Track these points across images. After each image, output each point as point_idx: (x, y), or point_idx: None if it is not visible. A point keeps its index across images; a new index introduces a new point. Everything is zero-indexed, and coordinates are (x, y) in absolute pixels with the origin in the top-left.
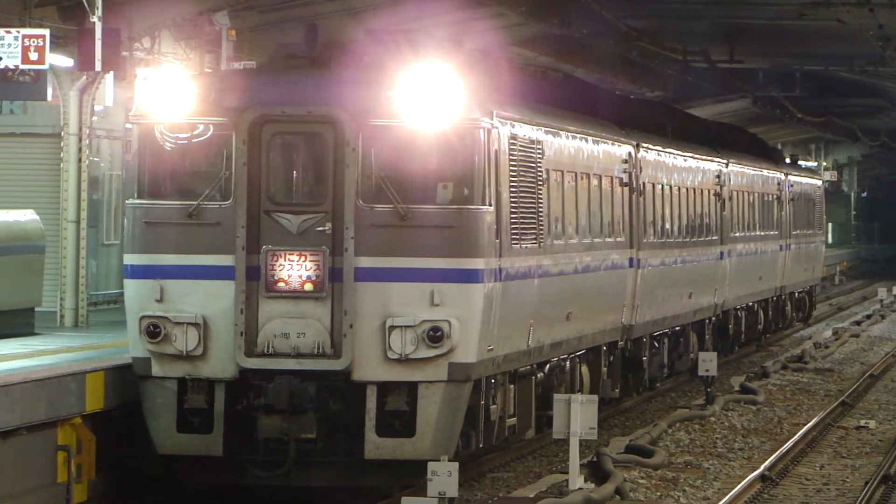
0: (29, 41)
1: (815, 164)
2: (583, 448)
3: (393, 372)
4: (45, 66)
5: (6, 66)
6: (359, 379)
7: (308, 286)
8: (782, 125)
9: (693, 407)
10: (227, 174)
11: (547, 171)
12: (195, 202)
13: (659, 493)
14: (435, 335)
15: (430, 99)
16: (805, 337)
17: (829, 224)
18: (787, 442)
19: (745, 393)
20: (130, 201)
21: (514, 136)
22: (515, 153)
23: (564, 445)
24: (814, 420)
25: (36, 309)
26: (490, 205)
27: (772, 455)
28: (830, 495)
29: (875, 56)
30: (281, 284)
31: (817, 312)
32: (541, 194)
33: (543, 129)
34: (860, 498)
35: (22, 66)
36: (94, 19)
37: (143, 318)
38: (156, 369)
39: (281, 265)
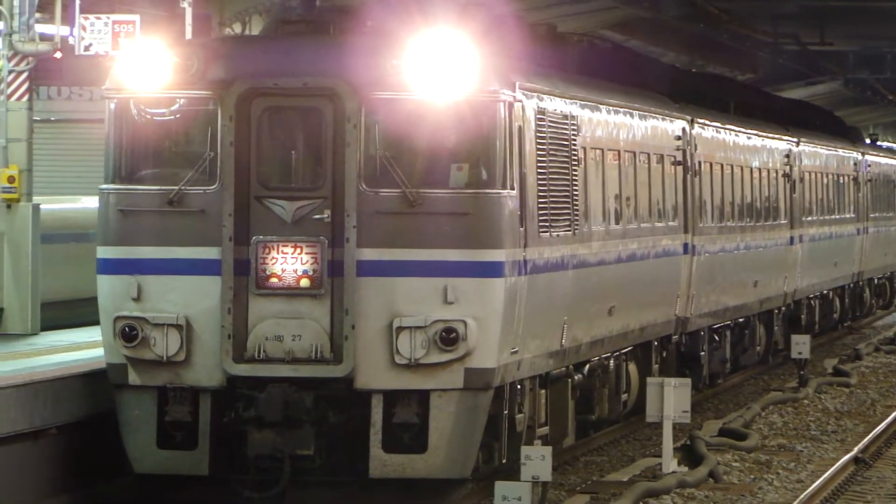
0: (119, 27)
1: None
2: (676, 432)
3: (401, 379)
4: None
5: (97, 53)
6: (362, 387)
7: (304, 282)
8: (873, 107)
9: (786, 390)
10: (211, 155)
11: (583, 149)
12: (176, 187)
13: (752, 476)
14: (449, 337)
15: (442, 68)
16: (889, 324)
17: None
18: (880, 424)
19: (838, 375)
20: (103, 186)
21: (542, 111)
22: (544, 130)
23: (658, 429)
24: None
25: None
26: (512, 188)
27: (865, 437)
28: None
29: None
30: (273, 280)
31: None
32: (576, 176)
33: (579, 102)
34: None
35: (112, 53)
36: (185, 5)
37: (117, 318)
38: (133, 377)
39: (273, 258)
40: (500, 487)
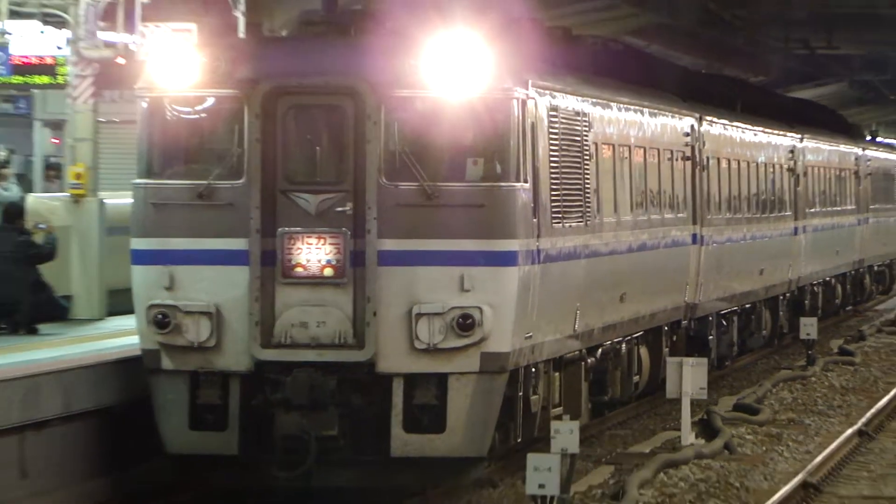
0: (176, 35)
1: None
2: (694, 407)
3: (420, 363)
4: None
5: None
6: (384, 371)
7: (328, 271)
8: (876, 106)
9: (795, 368)
10: (239, 151)
11: (595, 144)
12: (205, 182)
13: (764, 448)
14: (465, 323)
15: (458, 67)
16: (890, 308)
17: None
18: (882, 399)
19: (843, 355)
20: (136, 181)
21: (554, 108)
22: (556, 126)
23: (677, 405)
24: None
25: None
26: (526, 181)
27: (868, 412)
28: None
29: None
30: (298, 270)
31: None
32: (588, 169)
33: (591, 100)
34: None
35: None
36: (237, 13)
37: (151, 307)
38: (166, 362)
39: (298, 249)
40: (532, 459)
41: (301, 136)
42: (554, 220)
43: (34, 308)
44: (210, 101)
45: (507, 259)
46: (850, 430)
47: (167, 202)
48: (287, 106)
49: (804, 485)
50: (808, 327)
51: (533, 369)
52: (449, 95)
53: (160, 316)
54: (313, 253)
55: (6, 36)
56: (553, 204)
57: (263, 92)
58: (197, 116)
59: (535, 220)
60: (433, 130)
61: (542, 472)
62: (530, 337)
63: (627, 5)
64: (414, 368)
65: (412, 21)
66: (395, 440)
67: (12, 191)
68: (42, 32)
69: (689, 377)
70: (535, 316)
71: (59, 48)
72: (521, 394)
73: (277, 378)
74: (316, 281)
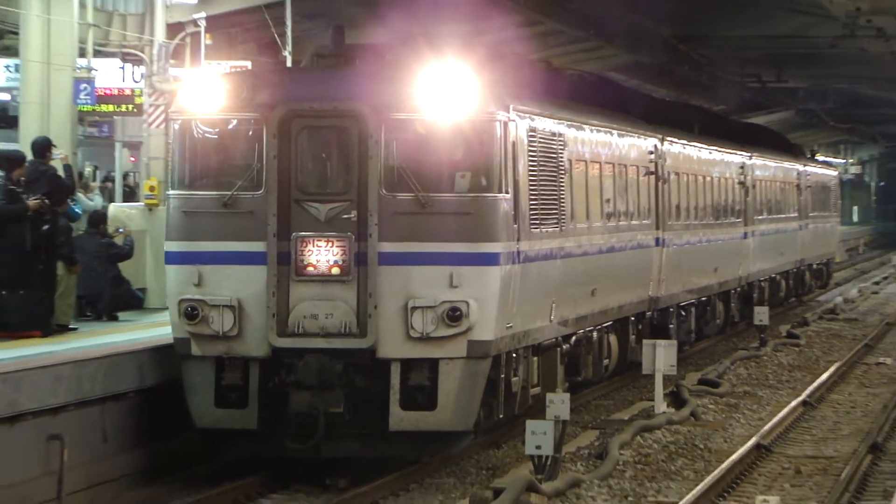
0: (235, 71)
1: (843, 161)
2: (665, 381)
3: (415, 350)
4: None
5: None
6: (383, 356)
7: (335, 270)
8: (818, 130)
9: (750, 349)
10: (258, 166)
11: (569, 160)
12: (230, 192)
13: (724, 415)
14: (454, 315)
15: (448, 94)
16: (827, 299)
17: (855, 207)
18: (823, 375)
19: (791, 338)
20: (170, 192)
21: (533, 129)
22: (535, 144)
23: (651, 379)
24: (844, 358)
25: None
26: (507, 192)
27: (811, 385)
28: (856, 416)
29: (890, 75)
30: (310, 269)
31: (846, 273)
32: (563, 182)
33: (566, 122)
34: (880, 418)
35: None
36: (286, 53)
37: (181, 301)
38: (195, 349)
39: (310, 250)
40: (530, 425)
41: (312, 153)
42: (532, 226)
43: (114, 299)
44: (233, 123)
45: (490, 259)
46: (795, 401)
47: (196, 210)
48: (300, 127)
49: (757, 446)
50: (761, 314)
51: (514, 354)
52: (440, 118)
53: (190, 309)
54: (322, 254)
55: (92, 71)
56: (531, 212)
57: (280, 115)
58: (222, 136)
59: (515, 225)
60: (426, 148)
61: (538, 435)
62: (511, 327)
63: (610, 46)
64: (409, 354)
65: (408, 53)
66: (393, 416)
67: (96, 200)
68: (121, 68)
69: (661, 356)
70: (516, 308)
71: (135, 81)
72: (503, 376)
73: (291, 362)
74: (325, 278)
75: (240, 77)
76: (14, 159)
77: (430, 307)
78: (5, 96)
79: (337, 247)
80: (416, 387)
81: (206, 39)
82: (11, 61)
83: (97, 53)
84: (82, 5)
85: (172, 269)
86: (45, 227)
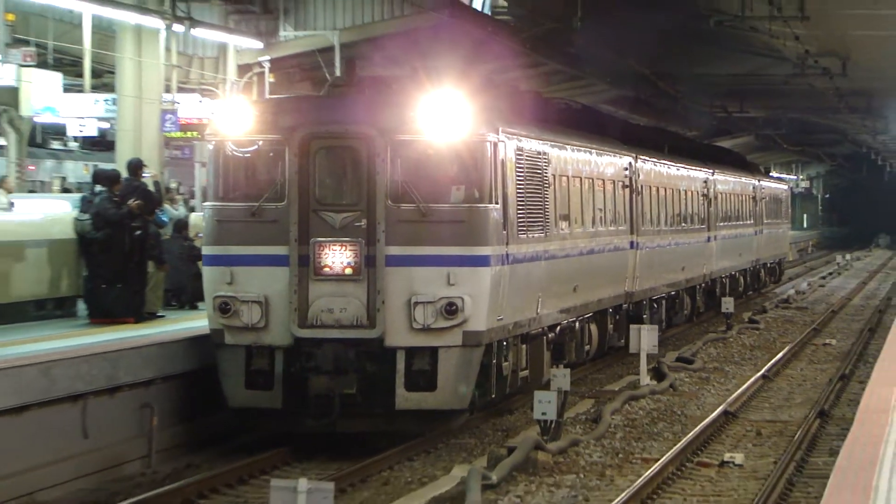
0: None
1: (795, 177)
2: (648, 359)
3: (417, 339)
4: None
5: None
6: (390, 345)
7: (348, 270)
8: (774, 151)
9: (718, 332)
10: (282, 180)
11: (553, 176)
12: (257, 203)
13: (697, 387)
14: (451, 309)
15: (445, 118)
16: (780, 292)
17: (804, 215)
18: (779, 353)
19: (752, 323)
20: (206, 203)
21: (520, 149)
22: (522, 162)
23: (637, 358)
24: (796, 340)
25: None
26: (497, 203)
27: (769, 362)
28: (807, 388)
29: (834, 107)
30: (326, 269)
31: (797, 270)
32: (547, 194)
33: (550, 143)
34: (826, 389)
35: None
36: None
37: (216, 297)
38: (228, 339)
39: (326, 253)
40: (538, 395)
41: (328, 169)
42: (520, 232)
43: (195, 292)
44: (260, 144)
45: (482, 261)
46: (756, 375)
47: (228, 219)
48: (318, 147)
49: (725, 412)
50: (727, 304)
51: (504, 343)
52: (438, 139)
53: (223, 304)
54: (337, 256)
55: (176, 104)
56: (519, 220)
57: (300, 137)
58: (250, 155)
59: (504, 231)
60: (426, 165)
61: (544, 403)
62: (501, 319)
63: (601, 83)
64: (412, 343)
65: (411, 83)
66: (399, 397)
67: (180, 210)
68: (200, 101)
69: (645, 338)
70: (505, 303)
71: (212, 112)
72: (494, 361)
73: (311, 350)
74: (339, 277)
75: (266, 104)
76: (112, 177)
77: (431, 302)
78: (105, 125)
79: (350, 250)
80: (419, 371)
81: (269, 78)
82: (110, 96)
83: (180, 89)
84: (167, 49)
85: (208, 270)
86: (138, 232)
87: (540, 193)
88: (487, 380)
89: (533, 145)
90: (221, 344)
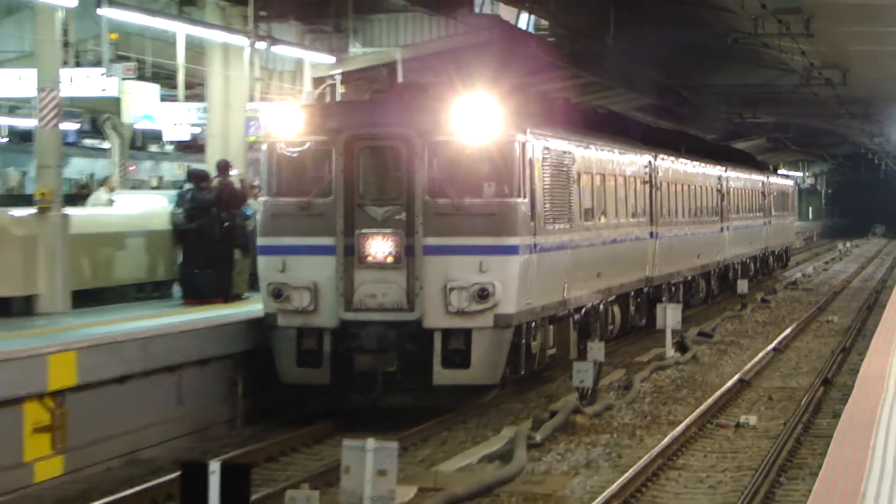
0: None
1: (802, 174)
2: (673, 334)
3: (453, 321)
4: None
5: None
6: (428, 326)
7: (389, 259)
8: (783, 152)
9: (734, 310)
10: (329, 178)
11: (578, 173)
12: (306, 199)
13: (716, 358)
14: (483, 294)
15: (478, 120)
16: (788, 276)
17: (810, 208)
18: (788, 328)
19: (764, 302)
20: (262, 199)
21: (547, 148)
22: (548, 160)
23: (663, 332)
24: (802, 317)
25: None
26: (525, 197)
27: (779, 336)
28: (812, 358)
29: (835, 113)
30: (369, 258)
31: (804, 256)
32: (572, 189)
33: (575, 143)
34: (829, 360)
35: None
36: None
37: (270, 284)
38: (280, 321)
39: (369, 244)
40: (576, 365)
41: (371, 167)
42: (546, 224)
43: None
44: (309, 145)
45: (511, 250)
46: (768, 347)
47: (281, 213)
48: (361, 147)
49: (740, 380)
50: (742, 286)
51: (532, 324)
52: (471, 139)
53: (276, 290)
54: (379, 246)
55: (258, 112)
56: (546, 212)
57: (345, 138)
58: (300, 155)
59: (532, 223)
60: (460, 163)
61: (582, 372)
62: (529, 303)
63: (631, 92)
64: (448, 325)
65: (447, 89)
66: (436, 374)
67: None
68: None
69: (670, 315)
70: (533, 288)
71: (266, 117)
72: (524, 341)
73: (355, 332)
74: (381, 265)
75: (314, 109)
76: (203, 175)
77: (464, 288)
78: (196, 130)
79: (391, 240)
80: (454, 350)
81: (340, 89)
82: (200, 105)
83: (262, 99)
84: (251, 64)
85: (263, 259)
86: (226, 224)
87: (566, 188)
88: (517, 357)
89: (559, 145)
90: (275, 326)
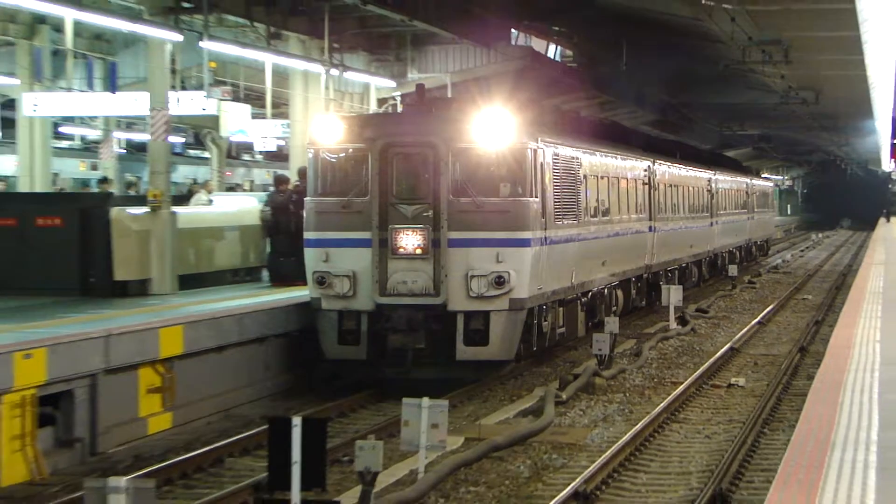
0: None
1: (781, 177)
2: (675, 310)
3: (473, 304)
4: None
5: None
6: (452, 309)
7: (418, 251)
8: (767, 159)
9: (725, 290)
10: (366, 180)
11: (584, 175)
12: (346, 198)
13: (711, 330)
14: (499, 281)
15: (495, 130)
16: (770, 262)
17: (788, 205)
18: (770, 305)
19: (750, 283)
20: (308, 198)
21: (556, 154)
22: (558, 164)
23: (666, 308)
24: (783, 296)
25: None
26: (536, 196)
27: (763, 312)
28: (791, 330)
29: (809, 126)
30: (401, 250)
31: (783, 245)
32: (579, 190)
33: (581, 149)
34: (805, 331)
35: None
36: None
37: (315, 272)
38: (324, 305)
39: (401, 237)
40: (595, 336)
41: (403, 171)
42: (556, 220)
43: None
44: (349, 151)
45: (524, 243)
46: (754, 321)
47: (324, 210)
48: (394, 153)
49: (731, 348)
50: (733, 270)
51: (544, 307)
52: (489, 146)
53: (320, 278)
54: (410, 239)
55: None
56: (555, 210)
57: (380, 145)
58: (341, 160)
59: (542, 219)
60: (480, 167)
61: (599, 342)
62: (541, 288)
63: (641, 111)
64: (469, 308)
65: (468, 102)
66: (459, 350)
67: None
68: None
69: (673, 294)
70: (544, 275)
71: (311, 126)
72: (536, 322)
73: (389, 314)
74: (411, 256)
75: (353, 119)
76: (281, 180)
77: (483, 276)
78: (281, 142)
79: (419, 234)
80: (475, 330)
81: (400, 108)
82: (285, 121)
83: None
84: (326, 87)
85: (309, 251)
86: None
87: (573, 189)
88: (531, 336)
89: (567, 151)
90: (319, 309)
